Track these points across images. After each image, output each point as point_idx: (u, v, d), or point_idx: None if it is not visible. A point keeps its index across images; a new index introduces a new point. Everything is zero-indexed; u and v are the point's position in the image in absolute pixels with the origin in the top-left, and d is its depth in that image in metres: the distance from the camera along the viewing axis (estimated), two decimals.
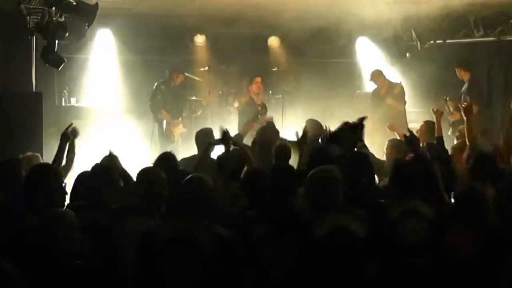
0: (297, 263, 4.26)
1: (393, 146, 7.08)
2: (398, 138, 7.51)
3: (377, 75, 10.85)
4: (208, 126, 8.47)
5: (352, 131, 6.05)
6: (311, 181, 4.43)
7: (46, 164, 5.61)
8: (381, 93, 10.79)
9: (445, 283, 4.28)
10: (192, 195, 3.91)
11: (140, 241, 3.90)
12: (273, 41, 11.99)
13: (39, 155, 6.73)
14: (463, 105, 7.31)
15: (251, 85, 9.76)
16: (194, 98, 11.27)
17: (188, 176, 4.08)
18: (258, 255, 4.35)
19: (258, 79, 9.76)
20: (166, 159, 5.88)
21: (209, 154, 6.44)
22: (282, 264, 4.33)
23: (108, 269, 4.15)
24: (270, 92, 11.39)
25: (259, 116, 9.51)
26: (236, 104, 10.47)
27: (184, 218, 3.89)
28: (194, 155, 6.96)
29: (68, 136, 6.10)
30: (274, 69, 11.54)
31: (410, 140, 5.75)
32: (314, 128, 7.60)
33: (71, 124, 6.27)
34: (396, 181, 4.72)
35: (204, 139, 6.82)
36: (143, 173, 4.79)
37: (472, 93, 10.04)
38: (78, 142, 6.29)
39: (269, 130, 7.55)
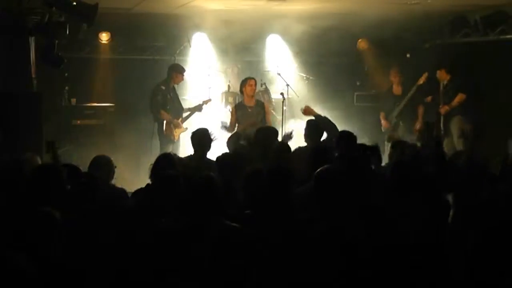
0: (293, 263, 4.27)
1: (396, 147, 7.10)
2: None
3: (393, 72, 10.89)
4: (209, 126, 8.48)
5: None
6: (316, 181, 4.46)
7: (51, 165, 5.59)
8: (395, 92, 10.83)
9: (443, 283, 4.29)
10: (204, 195, 4.00)
11: (151, 237, 3.95)
12: (273, 41, 11.98)
13: (38, 156, 6.73)
14: None
15: (245, 87, 9.70)
16: (194, 98, 11.26)
17: (200, 176, 4.15)
18: (256, 255, 4.35)
19: (252, 81, 9.71)
20: (165, 160, 5.89)
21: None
22: (279, 263, 4.33)
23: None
24: (270, 92, 11.40)
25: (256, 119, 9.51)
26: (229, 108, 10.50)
27: (195, 214, 3.97)
28: (190, 155, 6.97)
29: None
30: (273, 70, 11.52)
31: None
32: (314, 129, 7.60)
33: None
34: (395, 182, 4.73)
35: (201, 139, 6.84)
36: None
37: (451, 93, 10.17)
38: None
39: (268, 130, 7.55)
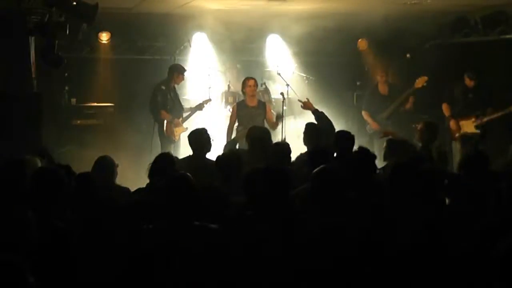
0: (290, 262, 4.26)
1: (391, 146, 7.09)
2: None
3: (380, 71, 10.78)
4: (209, 126, 8.48)
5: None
6: (314, 180, 4.45)
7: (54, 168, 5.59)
8: (382, 91, 10.69)
9: (443, 283, 4.28)
10: (178, 196, 3.89)
11: (126, 246, 3.90)
12: (273, 41, 11.98)
13: (37, 158, 6.74)
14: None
15: (245, 88, 9.74)
16: (194, 98, 11.27)
17: (170, 177, 4.05)
18: (255, 255, 4.34)
19: (251, 81, 9.73)
20: (164, 159, 5.90)
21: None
22: (277, 263, 4.33)
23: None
24: (270, 91, 11.40)
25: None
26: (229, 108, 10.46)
27: (171, 222, 3.88)
28: (190, 155, 6.97)
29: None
30: (273, 69, 11.53)
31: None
32: (313, 133, 7.59)
33: None
34: (394, 182, 4.72)
35: (198, 139, 6.85)
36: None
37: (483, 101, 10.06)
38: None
39: (259, 129, 7.57)
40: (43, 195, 4.41)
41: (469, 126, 9.87)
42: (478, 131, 9.42)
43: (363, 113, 10.72)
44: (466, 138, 9.64)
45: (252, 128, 7.61)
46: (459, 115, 10.00)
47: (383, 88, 10.72)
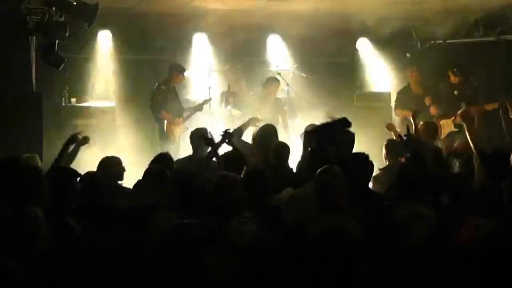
0: (290, 262, 4.26)
1: (391, 146, 7.07)
2: (394, 138, 7.53)
3: (411, 70, 10.66)
4: (209, 126, 8.48)
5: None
6: (317, 181, 4.46)
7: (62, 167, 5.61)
8: (415, 90, 10.50)
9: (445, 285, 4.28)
10: (226, 195, 3.99)
11: (173, 237, 3.94)
12: (273, 41, 11.98)
13: (37, 156, 6.74)
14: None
15: (273, 87, 10.12)
16: (194, 98, 11.27)
17: (221, 174, 4.15)
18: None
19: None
20: (162, 159, 5.91)
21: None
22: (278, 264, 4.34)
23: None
24: None
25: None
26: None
27: (216, 217, 3.96)
28: (190, 155, 6.98)
29: (75, 140, 6.18)
30: (273, 69, 11.53)
31: (407, 141, 5.79)
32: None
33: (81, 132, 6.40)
34: (401, 184, 4.72)
35: (197, 139, 6.85)
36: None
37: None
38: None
39: (268, 129, 7.56)
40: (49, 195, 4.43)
41: (449, 125, 9.85)
42: (457, 129, 9.42)
43: (398, 111, 10.55)
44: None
45: (261, 127, 7.65)
46: (443, 114, 9.96)
47: (416, 87, 10.59)
